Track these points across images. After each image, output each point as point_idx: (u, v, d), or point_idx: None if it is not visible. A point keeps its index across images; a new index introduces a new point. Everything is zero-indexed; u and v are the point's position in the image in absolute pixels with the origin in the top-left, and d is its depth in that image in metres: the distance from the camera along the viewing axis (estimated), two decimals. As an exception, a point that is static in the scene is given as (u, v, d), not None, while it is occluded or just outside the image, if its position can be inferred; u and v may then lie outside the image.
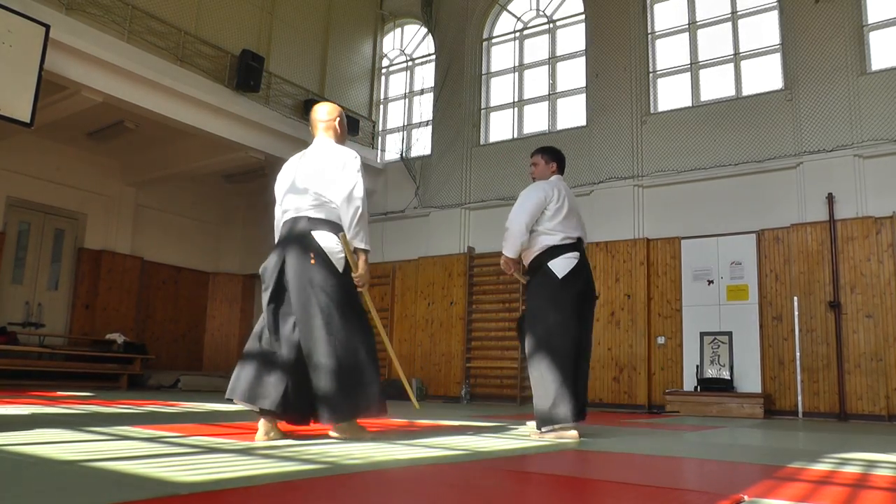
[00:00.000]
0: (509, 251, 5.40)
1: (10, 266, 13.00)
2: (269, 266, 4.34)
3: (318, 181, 4.33)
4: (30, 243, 13.36)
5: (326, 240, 4.25)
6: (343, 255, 4.25)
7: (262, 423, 4.04)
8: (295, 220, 4.34)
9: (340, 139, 4.68)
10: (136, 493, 2.09)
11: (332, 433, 4.21)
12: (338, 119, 4.69)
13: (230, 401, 4.18)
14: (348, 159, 4.38)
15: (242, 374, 4.15)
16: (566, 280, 5.19)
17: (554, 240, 5.34)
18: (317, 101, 13.48)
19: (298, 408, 4.11)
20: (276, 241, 4.46)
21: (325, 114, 4.67)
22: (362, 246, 4.30)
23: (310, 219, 4.29)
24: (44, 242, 13.58)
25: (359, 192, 4.29)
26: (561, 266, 5.23)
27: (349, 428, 4.19)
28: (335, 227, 4.29)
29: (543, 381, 4.92)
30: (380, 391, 4.22)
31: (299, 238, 4.26)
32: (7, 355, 11.76)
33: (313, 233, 4.25)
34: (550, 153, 5.99)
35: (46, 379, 12.29)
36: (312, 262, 4.19)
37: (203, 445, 3.51)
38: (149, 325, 15.12)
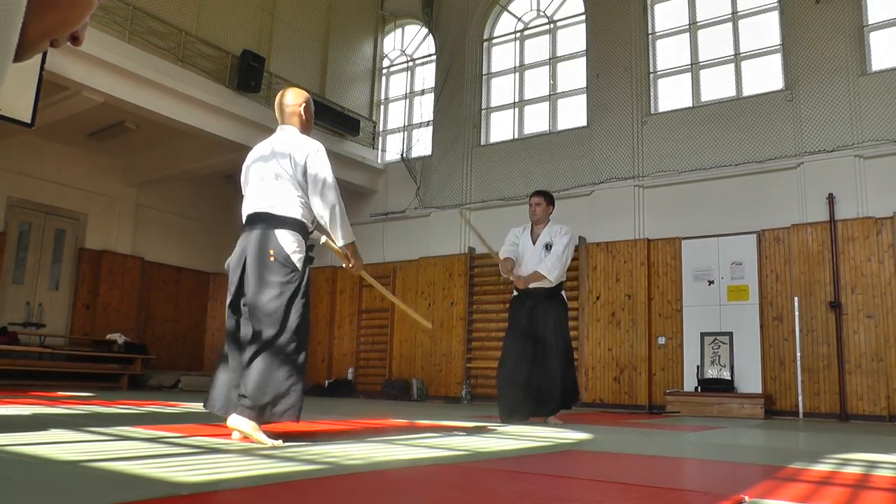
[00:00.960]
0: (529, 282, 6.94)
1: (11, 266, 13.00)
2: (231, 263, 4.24)
3: (282, 175, 4.17)
4: (30, 243, 13.37)
5: (286, 238, 4.10)
6: (302, 254, 4.15)
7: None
8: (258, 215, 4.18)
9: (306, 127, 4.47)
10: (137, 493, 2.09)
11: (229, 424, 3.92)
12: (303, 105, 4.47)
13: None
14: (312, 152, 4.21)
15: (216, 383, 4.10)
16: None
17: (564, 276, 7.06)
18: (318, 102, 13.58)
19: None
20: (241, 236, 4.28)
21: (290, 98, 4.47)
22: (347, 242, 4.28)
23: (272, 216, 4.14)
24: (44, 243, 13.59)
25: (330, 188, 4.16)
26: (565, 296, 7.17)
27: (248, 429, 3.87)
28: (297, 224, 4.16)
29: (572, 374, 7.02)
30: (299, 399, 3.98)
31: (260, 235, 4.11)
32: (8, 355, 11.76)
33: (276, 231, 4.10)
34: (550, 198, 7.29)
35: (47, 379, 12.29)
36: (272, 259, 4.06)
37: (204, 446, 3.51)
38: (149, 325, 15.13)
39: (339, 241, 4.26)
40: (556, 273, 6.81)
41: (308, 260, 4.21)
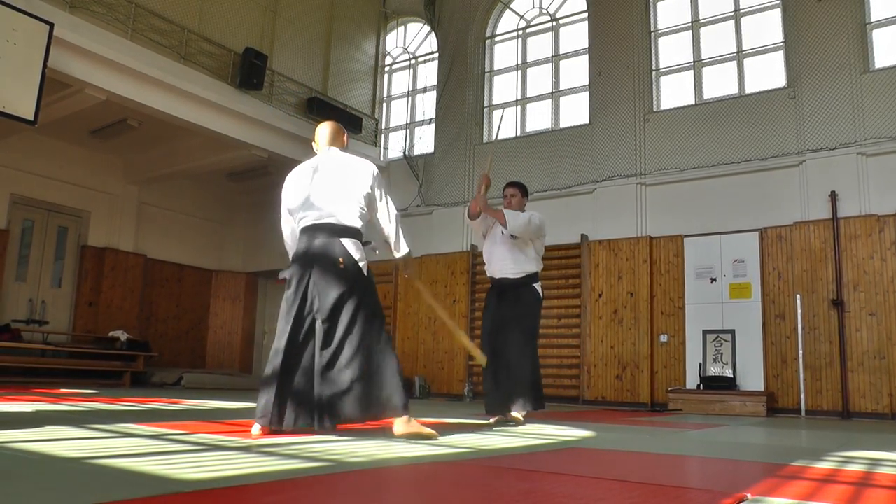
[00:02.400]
0: (489, 213, 6.68)
1: (14, 263, 13.02)
2: (295, 274, 4.39)
3: (341, 190, 4.45)
4: (33, 241, 13.39)
5: (353, 246, 4.36)
6: (365, 262, 4.40)
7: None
8: (318, 227, 4.40)
9: (345, 146, 4.84)
10: (141, 490, 2.10)
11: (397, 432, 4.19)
12: (345, 135, 4.88)
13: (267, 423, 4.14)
14: (375, 172, 4.58)
15: (275, 399, 4.15)
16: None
17: (539, 266, 6.74)
18: (320, 99, 13.60)
19: (319, 412, 4.18)
20: (298, 249, 4.47)
21: (331, 128, 4.84)
22: (405, 252, 4.66)
23: (334, 226, 4.37)
24: (47, 240, 13.61)
25: (392, 204, 4.60)
26: (540, 289, 6.69)
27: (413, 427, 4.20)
28: (359, 234, 4.44)
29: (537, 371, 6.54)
30: (402, 393, 4.24)
31: (326, 245, 4.34)
32: (11, 353, 11.79)
33: (342, 240, 4.34)
34: (524, 189, 7.02)
35: (50, 376, 12.32)
36: (342, 265, 4.29)
37: (206, 443, 3.52)
38: (152, 322, 15.15)
39: (400, 252, 4.63)
40: (518, 224, 6.42)
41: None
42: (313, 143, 4.86)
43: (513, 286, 6.61)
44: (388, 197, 4.60)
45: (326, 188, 4.46)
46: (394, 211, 4.59)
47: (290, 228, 4.66)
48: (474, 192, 7.05)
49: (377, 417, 4.23)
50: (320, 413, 4.15)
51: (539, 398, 6.50)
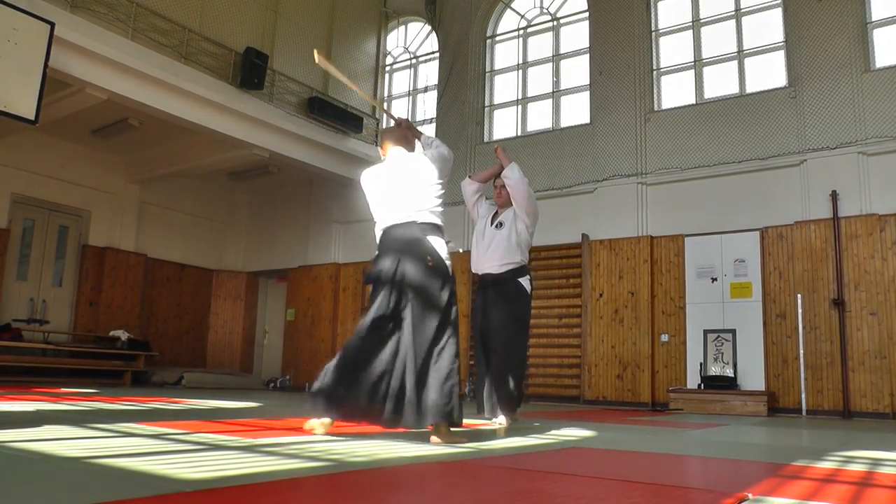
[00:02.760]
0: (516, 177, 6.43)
1: (15, 263, 13.03)
2: (383, 270, 4.37)
3: (416, 186, 4.49)
4: (34, 240, 13.40)
5: (439, 244, 4.40)
6: (450, 259, 4.43)
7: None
8: (403, 225, 4.43)
9: (413, 148, 4.84)
10: (142, 489, 2.10)
11: (432, 439, 4.06)
12: (408, 133, 4.88)
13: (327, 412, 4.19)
14: (432, 148, 4.66)
15: (349, 391, 4.17)
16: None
17: (525, 259, 6.41)
18: (321, 99, 13.60)
19: (396, 410, 4.16)
20: (382, 248, 4.49)
21: (395, 132, 4.87)
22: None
23: (420, 224, 4.40)
24: (48, 239, 13.62)
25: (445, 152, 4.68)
26: (528, 282, 6.33)
27: (446, 433, 4.09)
28: (440, 230, 4.47)
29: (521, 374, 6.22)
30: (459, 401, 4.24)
31: (413, 242, 4.35)
32: (12, 352, 11.80)
33: (428, 237, 4.37)
34: None
35: (51, 376, 12.32)
36: (430, 264, 4.30)
37: (207, 442, 3.52)
38: (152, 322, 15.16)
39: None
40: (521, 180, 6.35)
41: None
42: (380, 149, 4.94)
43: (497, 282, 6.30)
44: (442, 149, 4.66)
45: (400, 187, 4.52)
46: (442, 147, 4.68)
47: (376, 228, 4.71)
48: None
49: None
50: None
51: (515, 404, 6.09)
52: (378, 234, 4.58)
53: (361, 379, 4.15)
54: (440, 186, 4.54)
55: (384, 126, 16.15)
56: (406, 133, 4.85)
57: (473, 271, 6.69)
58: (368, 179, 4.72)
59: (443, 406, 4.04)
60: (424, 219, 4.41)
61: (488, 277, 6.38)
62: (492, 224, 6.56)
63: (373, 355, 4.20)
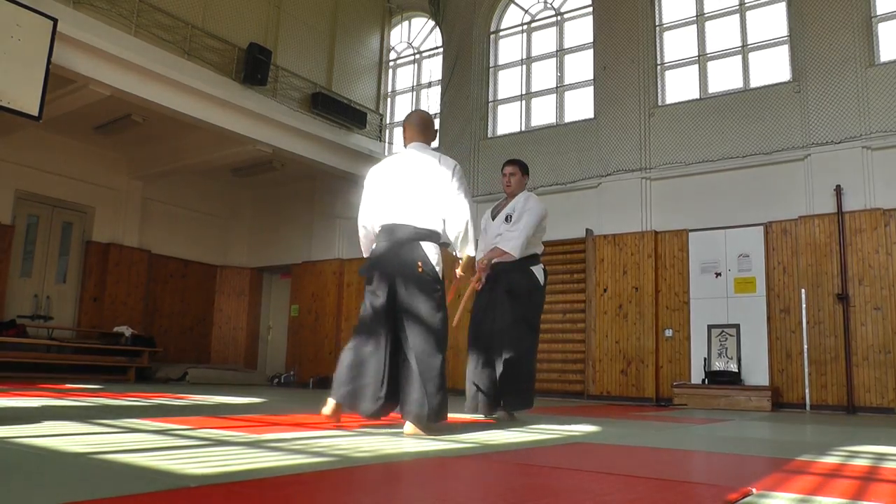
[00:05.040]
0: (490, 258, 5.97)
1: (19, 259, 13.05)
2: (380, 267, 4.46)
3: (422, 191, 4.50)
4: (38, 236, 13.42)
5: (432, 251, 4.43)
6: (441, 265, 4.46)
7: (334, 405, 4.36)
8: (399, 227, 4.47)
9: (432, 140, 4.86)
10: (146, 485, 2.10)
11: (405, 431, 4.19)
12: (433, 128, 4.87)
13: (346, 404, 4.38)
14: (455, 169, 4.57)
15: (354, 381, 4.35)
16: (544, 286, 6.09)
17: (538, 249, 6.11)
18: (325, 95, 13.60)
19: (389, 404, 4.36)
20: (377, 248, 4.56)
21: (414, 122, 4.81)
22: (472, 255, 4.66)
23: (416, 228, 4.44)
24: (52, 235, 13.63)
25: (466, 205, 4.53)
26: (541, 272, 6.05)
27: (426, 429, 4.21)
28: (437, 237, 4.49)
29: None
30: (443, 400, 4.34)
31: (408, 246, 4.41)
32: (16, 348, 11.82)
33: (421, 243, 4.41)
34: (524, 167, 6.39)
35: (55, 372, 12.34)
36: (420, 270, 4.35)
37: (212, 438, 3.52)
38: (156, 318, 15.18)
39: (469, 253, 4.63)
40: (518, 244, 5.79)
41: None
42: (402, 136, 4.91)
43: (507, 269, 5.94)
44: (464, 195, 4.54)
45: (406, 188, 4.53)
46: (466, 211, 4.51)
47: (365, 225, 4.77)
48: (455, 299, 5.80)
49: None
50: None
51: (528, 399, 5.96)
52: (375, 228, 4.63)
53: (357, 375, 4.31)
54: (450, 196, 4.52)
55: (389, 121, 16.17)
56: (428, 123, 4.83)
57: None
58: (378, 171, 4.74)
59: (424, 404, 4.18)
60: (424, 224, 4.44)
61: (501, 265, 5.94)
62: (502, 217, 6.11)
63: (366, 353, 4.35)
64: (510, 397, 5.80)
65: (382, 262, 4.45)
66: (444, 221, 4.51)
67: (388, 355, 4.32)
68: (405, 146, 4.82)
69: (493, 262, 5.96)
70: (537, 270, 6.00)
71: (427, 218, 4.45)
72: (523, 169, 6.36)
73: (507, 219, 6.03)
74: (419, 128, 4.79)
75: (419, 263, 4.34)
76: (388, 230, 4.50)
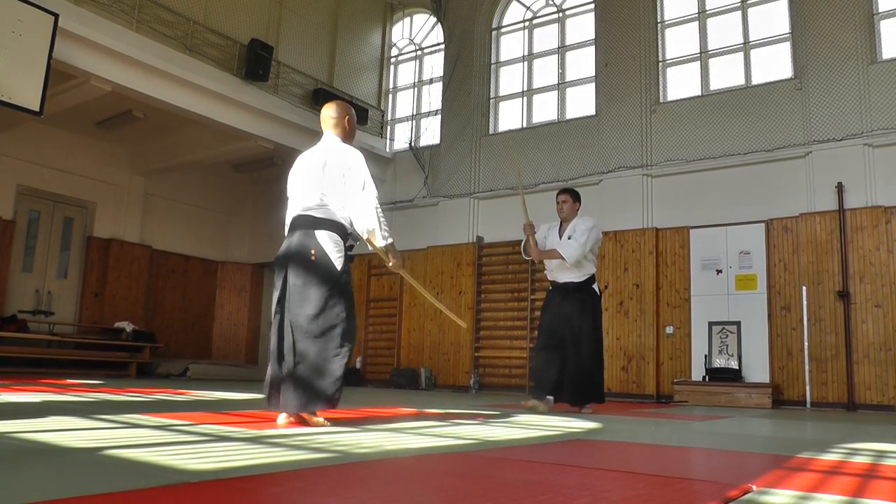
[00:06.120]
0: (544, 257, 7.26)
1: (20, 254, 13.06)
2: (278, 259, 4.47)
3: (323, 181, 4.43)
4: (39, 232, 13.42)
5: (326, 239, 4.35)
6: (342, 254, 4.38)
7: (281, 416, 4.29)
8: (300, 216, 4.46)
9: (348, 137, 4.74)
10: (147, 480, 2.10)
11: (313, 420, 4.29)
12: (346, 118, 4.74)
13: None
14: (354, 161, 4.46)
15: (267, 378, 4.38)
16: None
17: (594, 269, 7.25)
18: (326, 91, 13.60)
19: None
20: (286, 235, 4.57)
21: (333, 111, 4.72)
22: (386, 243, 4.44)
23: (314, 218, 4.40)
24: (53, 231, 13.63)
25: (370, 194, 4.40)
26: (598, 289, 7.27)
27: (308, 419, 4.28)
28: (336, 226, 4.41)
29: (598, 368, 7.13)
30: (335, 388, 4.27)
31: (302, 235, 4.38)
32: (18, 343, 11.83)
33: (315, 232, 4.36)
34: (576, 195, 7.39)
35: (56, 367, 12.36)
36: (312, 258, 4.31)
37: (213, 433, 3.53)
38: (157, 313, 15.18)
39: (379, 243, 4.43)
40: (573, 255, 6.91)
41: (348, 259, 4.46)
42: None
43: (575, 289, 7.07)
44: (366, 184, 4.41)
45: (307, 179, 4.51)
46: (370, 200, 4.38)
47: (286, 221, 4.71)
48: (524, 242, 7.36)
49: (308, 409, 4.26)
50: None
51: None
52: (288, 220, 4.60)
53: (271, 365, 4.35)
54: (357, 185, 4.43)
55: (391, 118, 16.17)
56: (346, 118, 4.73)
57: (551, 280, 7.34)
58: (296, 163, 4.73)
59: (310, 393, 4.18)
60: (320, 213, 4.41)
61: (569, 285, 7.11)
62: (559, 237, 7.18)
63: (274, 342, 4.35)
64: (592, 392, 7.05)
65: (280, 256, 4.45)
66: (351, 215, 4.44)
67: (281, 349, 4.31)
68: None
69: (559, 281, 7.18)
70: (596, 288, 7.23)
71: (324, 208, 4.40)
72: (574, 196, 7.33)
73: (569, 238, 7.08)
74: (331, 119, 4.72)
75: (311, 251, 4.31)
76: (291, 224, 4.52)
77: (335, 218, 4.41)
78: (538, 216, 7.49)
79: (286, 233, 4.58)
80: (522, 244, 7.40)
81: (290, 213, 4.57)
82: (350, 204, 4.39)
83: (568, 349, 6.91)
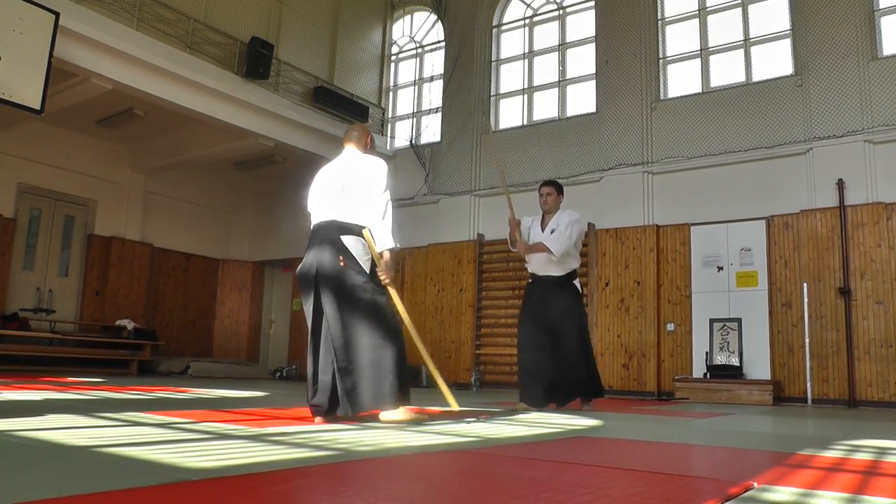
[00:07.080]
0: (531, 251, 7.06)
1: (21, 252, 13.07)
2: (304, 269, 4.53)
3: (347, 189, 4.54)
4: (40, 230, 13.44)
5: (354, 243, 4.45)
6: (369, 257, 4.48)
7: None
8: (325, 224, 4.54)
9: (369, 152, 4.93)
10: (148, 478, 2.10)
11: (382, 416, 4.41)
12: (369, 137, 4.99)
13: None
14: (377, 168, 4.61)
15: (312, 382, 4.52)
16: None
17: (577, 264, 7.21)
18: (327, 89, 13.59)
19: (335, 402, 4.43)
20: (308, 245, 4.63)
21: (357, 130, 4.98)
22: (390, 245, 4.51)
23: (339, 224, 4.49)
24: (54, 229, 13.65)
25: (385, 200, 4.53)
26: (579, 285, 7.26)
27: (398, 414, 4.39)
28: (360, 231, 4.51)
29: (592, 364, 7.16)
30: (400, 384, 4.39)
31: (329, 242, 4.46)
32: (19, 341, 11.84)
33: (342, 237, 4.45)
34: (559, 187, 7.32)
35: (57, 365, 12.38)
36: (342, 264, 4.39)
37: (214, 431, 3.53)
38: (158, 311, 15.19)
39: (385, 241, 4.51)
40: (560, 247, 6.83)
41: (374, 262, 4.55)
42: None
43: (556, 283, 7.02)
44: (381, 188, 4.55)
45: (332, 186, 4.61)
46: (383, 202, 4.52)
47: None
48: (509, 235, 7.27)
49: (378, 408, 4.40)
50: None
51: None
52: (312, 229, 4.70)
53: (314, 373, 4.47)
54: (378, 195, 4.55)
55: (391, 115, 16.16)
56: (368, 137, 4.96)
57: (531, 272, 7.24)
58: (318, 176, 4.83)
59: (380, 393, 4.33)
60: (345, 219, 4.50)
61: (549, 279, 7.04)
62: (541, 230, 7.13)
63: (316, 352, 4.48)
64: (592, 387, 7.06)
65: (306, 268, 4.53)
66: (368, 215, 4.53)
67: (319, 361, 4.46)
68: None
69: (539, 274, 7.11)
70: (577, 283, 7.20)
71: (350, 214, 4.51)
72: (558, 189, 7.27)
73: (552, 232, 7.01)
74: (351, 139, 4.92)
75: (340, 258, 4.40)
76: (313, 231, 4.62)
77: (361, 223, 4.51)
78: (538, 215, 7.48)
79: (310, 240, 4.65)
80: (508, 237, 7.34)
81: (314, 220, 4.66)
82: (366, 203, 4.51)
83: (551, 348, 6.86)
